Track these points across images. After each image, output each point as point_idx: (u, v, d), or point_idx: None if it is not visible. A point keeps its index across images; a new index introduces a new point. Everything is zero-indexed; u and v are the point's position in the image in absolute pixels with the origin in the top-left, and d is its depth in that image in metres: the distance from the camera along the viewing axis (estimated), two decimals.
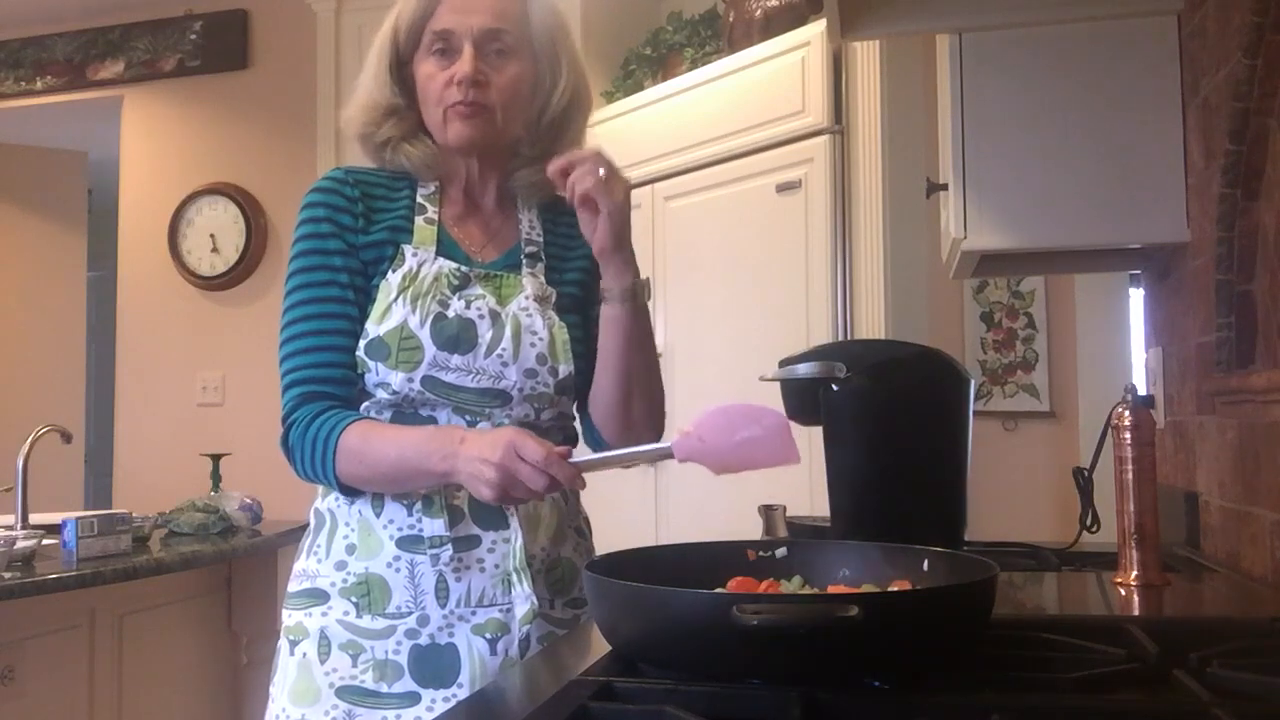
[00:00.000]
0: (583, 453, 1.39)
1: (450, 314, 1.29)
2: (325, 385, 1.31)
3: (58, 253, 5.14)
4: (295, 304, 1.33)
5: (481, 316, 1.31)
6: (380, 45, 1.37)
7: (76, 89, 4.53)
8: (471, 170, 1.39)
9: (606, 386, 1.38)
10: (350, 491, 1.29)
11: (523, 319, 1.32)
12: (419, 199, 1.37)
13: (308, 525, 1.37)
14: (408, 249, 1.32)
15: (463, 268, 1.33)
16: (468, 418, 1.30)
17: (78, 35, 4.51)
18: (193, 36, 4.36)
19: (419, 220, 1.36)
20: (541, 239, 1.42)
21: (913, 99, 2.79)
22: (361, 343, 1.29)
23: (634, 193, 3.59)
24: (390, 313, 1.28)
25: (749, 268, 2.89)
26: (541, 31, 1.36)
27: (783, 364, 1.51)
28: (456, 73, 1.30)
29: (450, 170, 1.39)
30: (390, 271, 1.31)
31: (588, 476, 1.21)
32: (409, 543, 1.28)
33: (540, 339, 1.33)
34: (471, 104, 1.31)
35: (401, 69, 1.37)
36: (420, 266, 1.31)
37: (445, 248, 1.35)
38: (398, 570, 1.27)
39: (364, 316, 1.31)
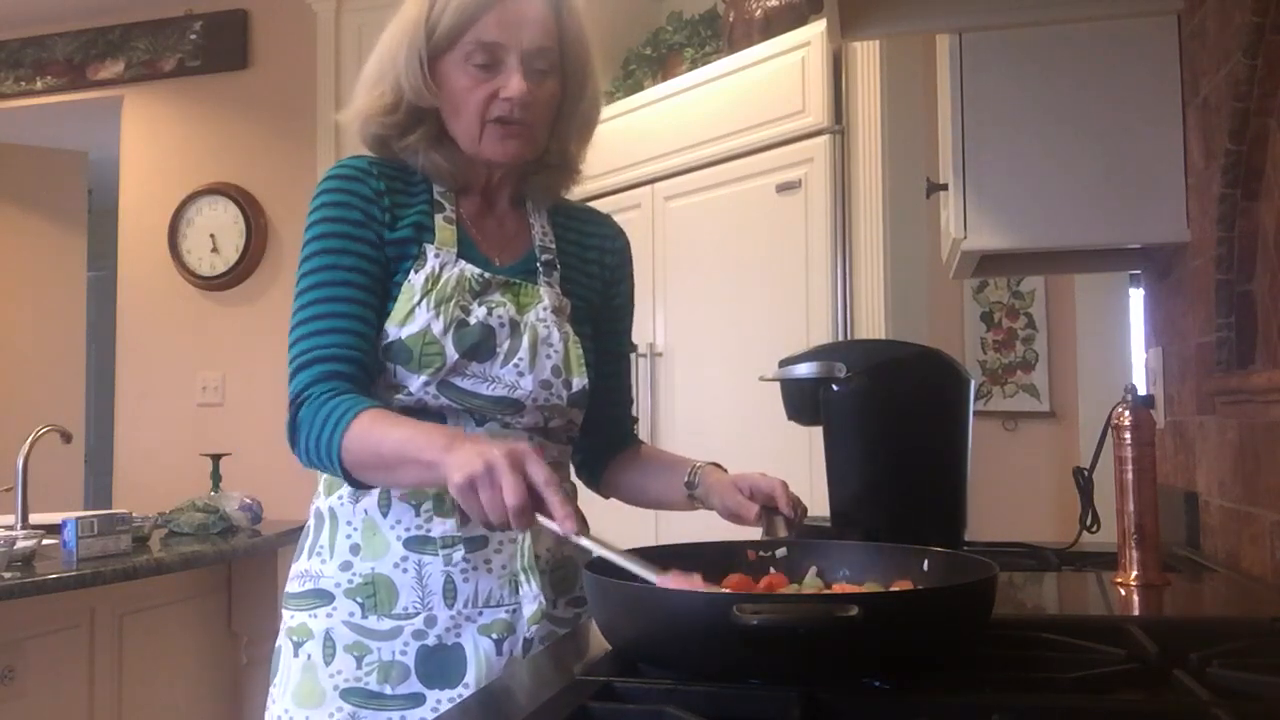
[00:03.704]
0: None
1: (472, 321, 1.28)
2: (343, 365, 1.25)
3: (58, 253, 5.14)
4: (315, 285, 1.28)
5: (502, 325, 1.30)
6: (410, 45, 1.29)
7: (76, 89, 4.53)
8: (492, 175, 1.37)
9: (644, 496, 1.51)
10: (354, 481, 1.24)
11: (540, 330, 1.32)
12: (436, 196, 1.35)
13: (306, 526, 1.36)
14: (429, 249, 1.30)
15: (484, 273, 1.32)
16: (478, 421, 1.29)
17: (78, 35, 4.51)
18: (193, 36, 4.36)
19: (439, 219, 1.34)
20: (554, 246, 1.41)
21: (913, 99, 2.79)
22: (381, 343, 1.28)
23: (634, 193, 3.61)
24: (414, 316, 1.27)
25: (749, 268, 2.89)
26: (574, 47, 1.35)
27: (783, 364, 1.51)
28: (504, 90, 1.27)
29: (471, 176, 1.37)
30: (413, 272, 1.29)
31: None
32: (416, 543, 1.27)
33: (556, 351, 1.33)
34: (518, 123, 1.29)
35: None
36: (442, 269, 1.29)
37: (465, 248, 1.34)
38: (405, 571, 1.27)
39: (383, 310, 1.28)
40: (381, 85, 1.32)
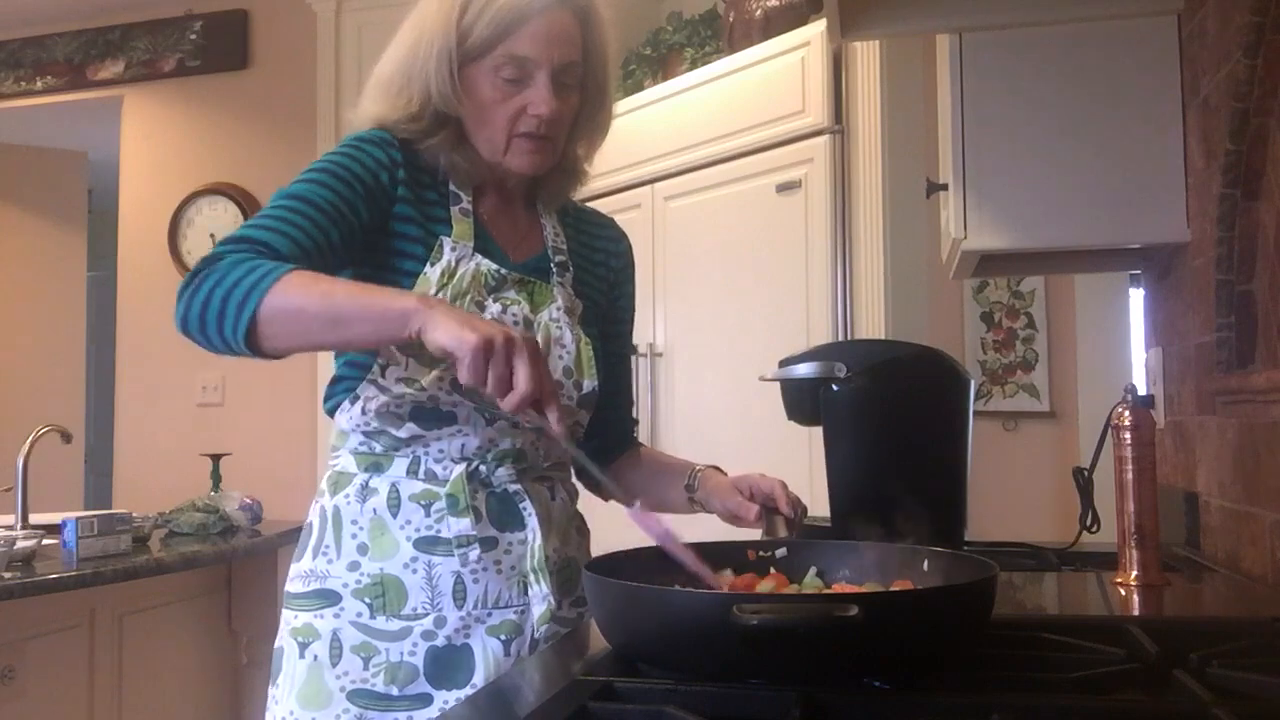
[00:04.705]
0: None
1: (486, 317, 1.27)
2: (272, 253, 1.17)
3: (58, 253, 5.14)
4: (283, 195, 1.23)
5: (515, 323, 1.29)
6: (441, 52, 1.27)
7: (76, 89, 4.53)
8: (509, 178, 1.37)
9: (644, 499, 1.45)
10: (253, 345, 1.12)
11: (553, 330, 1.32)
12: (453, 187, 1.34)
13: (308, 524, 1.35)
14: (446, 242, 1.29)
15: (501, 270, 1.31)
16: (489, 420, 1.29)
17: (78, 35, 4.51)
18: (193, 36, 4.36)
19: (455, 210, 1.33)
20: (566, 247, 1.42)
21: (913, 99, 2.79)
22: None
23: (634, 193, 3.61)
24: None
25: (749, 268, 2.89)
26: (597, 60, 1.35)
27: (783, 364, 1.51)
28: (533, 107, 1.27)
29: (489, 176, 1.37)
30: (429, 265, 1.28)
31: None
32: (426, 544, 1.26)
33: (568, 352, 1.33)
34: (544, 138, 1.30)
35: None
36: (459, 263, 1.29)
37: (482, 242, 1.33)
38: (414, 571, 1.26)
39: (336, 244, 1.23)
40: (408, 91, 1.31)
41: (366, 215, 1.27)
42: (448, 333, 1.05)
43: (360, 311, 1.11)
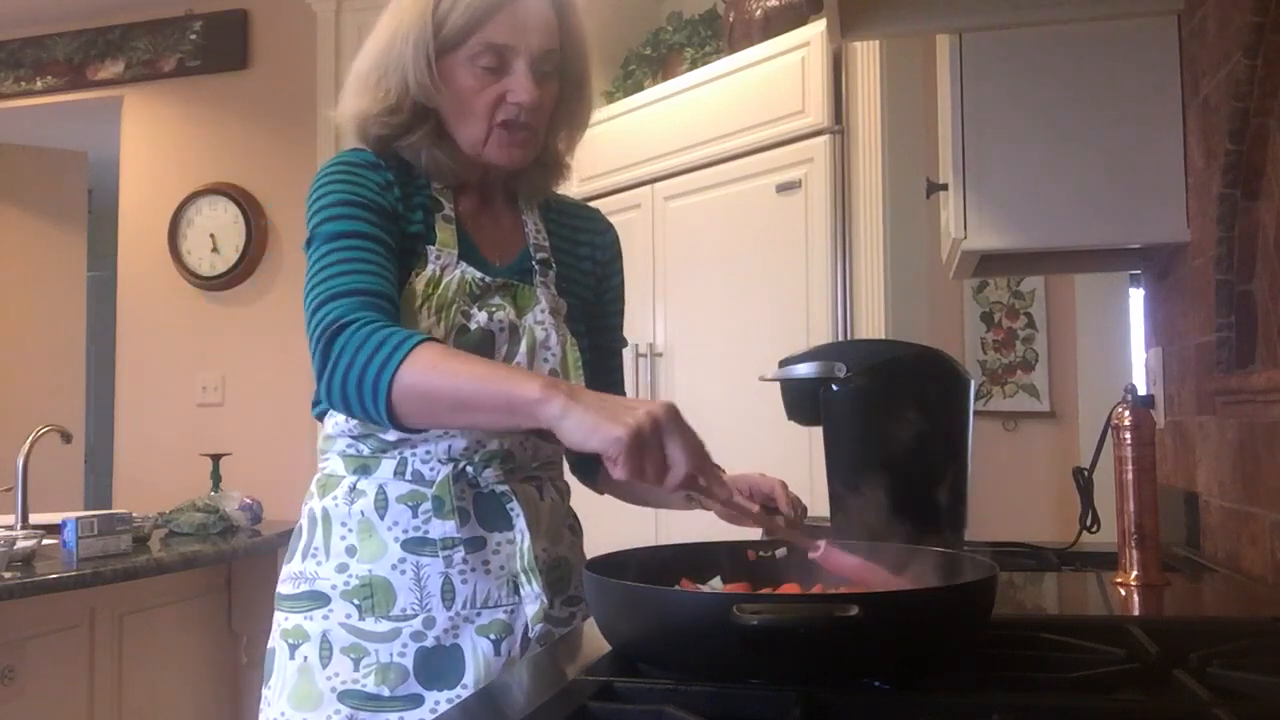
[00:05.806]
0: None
1: (472, 326, 1.27)
2: (384, 300, 1.19)
3: (58, 253, 5.14)
4: (338, 234, 1.22)
5: (501, 329, 1.29)
6: (417, 43, 1.26)
7: (76, 89, 4.53)
8: (489, 172, 1.37)
9: (641, 495, 1.45)
10: (396, 422, 1.13)
11: (538, 333, 1.32)
12: (433, 193, 1.34)
13: (298, 527, 1.35)
14: (430, 251, 1.29)
15: (485, 278, 1.31)
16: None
17: (78, 35, 4.51)
18: (193, 36, 4.36)
19: (437, 218, 1.33)
20: (548, 243, 1.41)
21: (913, 99, 2.79)
22: None
23: (634, 193, 3.60)
24: (415, 322, 1.25)
25: (749, 268, 2.89)
26: (575, 48, 1.34)
27: (783, 364, 1.51)
28: (512, 94, 1.27)
29: (469, 173, 1.36)
30: (414, 275, 1.28)
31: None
32: (414, 545, 1.26)
33: (553, 355, 1.32)
34: (524, 128, 1.29)
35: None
36: (443, 271, 1.28)
37: (465, 249, 1.33)
38: (403, 573, 1.26)
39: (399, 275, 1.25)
40: (386, 84, 1.30)
41: (398, 239, 1.28)
42: (591, 433, 1.01)
43: (485, 399, 1.09)
